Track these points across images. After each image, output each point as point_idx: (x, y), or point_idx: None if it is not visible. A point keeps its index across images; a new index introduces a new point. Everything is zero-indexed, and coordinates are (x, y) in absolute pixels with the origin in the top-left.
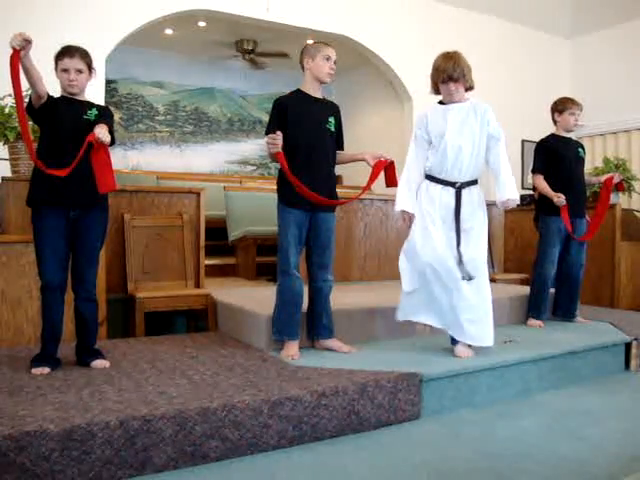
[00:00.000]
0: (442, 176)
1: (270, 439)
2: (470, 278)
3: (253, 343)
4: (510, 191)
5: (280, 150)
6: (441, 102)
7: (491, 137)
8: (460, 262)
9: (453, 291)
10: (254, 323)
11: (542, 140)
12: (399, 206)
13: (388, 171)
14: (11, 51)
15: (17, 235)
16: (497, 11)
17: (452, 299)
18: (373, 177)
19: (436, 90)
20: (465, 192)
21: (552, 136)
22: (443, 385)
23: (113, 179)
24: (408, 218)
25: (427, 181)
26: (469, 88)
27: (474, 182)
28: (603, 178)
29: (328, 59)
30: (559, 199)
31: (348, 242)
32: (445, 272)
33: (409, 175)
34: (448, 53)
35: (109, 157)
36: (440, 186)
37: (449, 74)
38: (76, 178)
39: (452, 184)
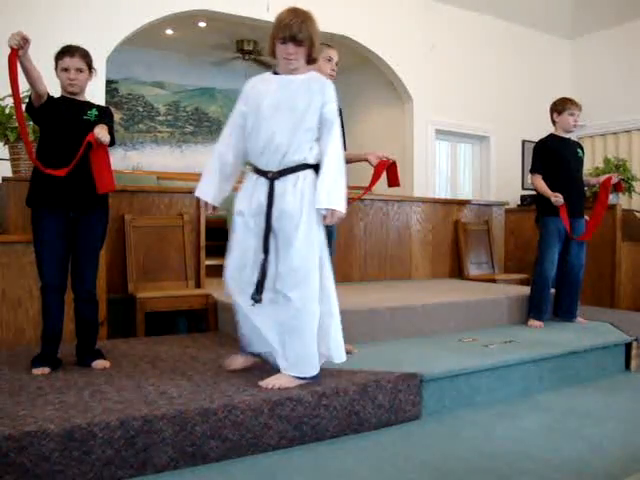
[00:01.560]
0: (257, 163)
1: (270, 439)
2: (257, 301)
3: None
4: (326, 199)
5: None
6: (276, 72)
7: (324, 120)
8: (262, 277)
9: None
10: None
11: (541, 140)
12: (197, 191)
13: (390, 171)
14: (10, 51)
15: (18, 235)
16: (497, 11)
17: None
18: (376, 177)
19: (273, 52)
20: (279, 184)
21: (551, 136)
22: (443, 385)
23: (112, 180)
24: (205, 206)
25: (250, 172)
26: (312, 61)
27: (297, 169)
28: (602, 179)
29: (330, 60)
30: (557, 199)
31: (348, 242)
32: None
33: (217, 154)
34: (297, 9)
35: (108, 157)
36: (256, 177)
37: (293, 33)
38: (76, 179)
39: (265, 173)
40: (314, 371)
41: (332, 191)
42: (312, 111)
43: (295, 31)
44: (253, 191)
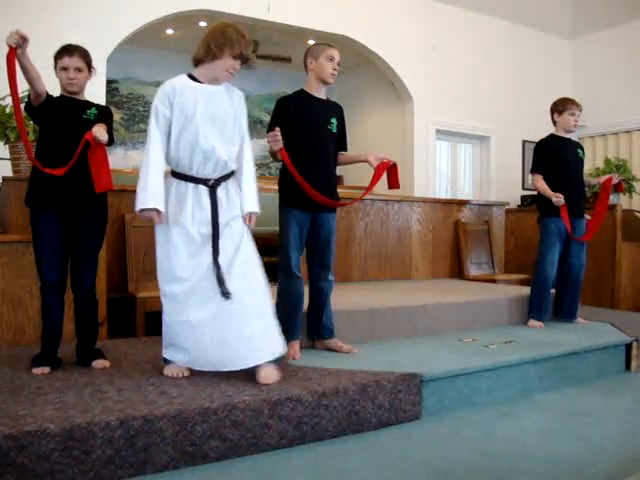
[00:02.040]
0: (195, 172)
1: (270, 439)
2: (228, 295)
3: None
4: (254, 203)
5: (282, 146)
6: (192, 77)
7: (243, 129)
8: (219, 275)
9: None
10: None
11: (541, 141)
12: (152, 201)
13: (391, 173)
14: (8, 50)
15: (18, 235)
16: (498, 11)
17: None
18: (376, 179)
19: (210, 58)
20: (221, 190)
21: (551, 136)
22: (443, 385)
23: (110, 178)
24: (159, 217)
25: (173, 179)
26: None
27: (231, 175)
28: (602, 179)
29: (331, 60)
30: (557, 199)
31: (349, 242)
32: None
33: (158, 158)
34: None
35: (106, 156)
36: (192, 185)
37: (249, 55)
38: (74, 178)
39: (204, 181)
40: (282, 348)
41: (256, 196)
42: (237, 122)
43: (250, 53)
44: (193, 199)
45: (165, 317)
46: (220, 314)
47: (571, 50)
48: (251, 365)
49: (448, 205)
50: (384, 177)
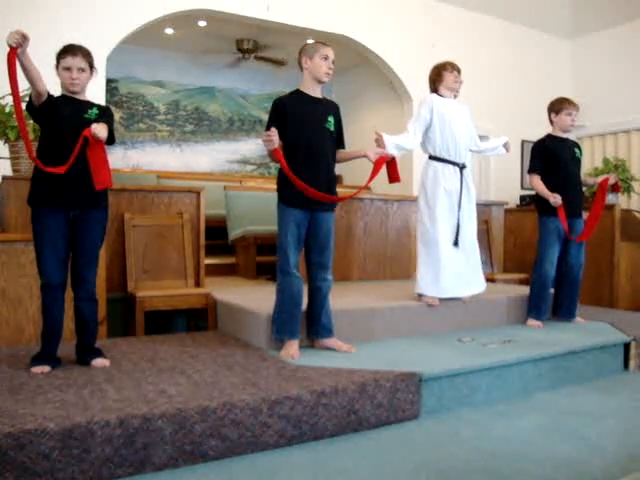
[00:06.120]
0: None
1: (270, 438)
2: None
3: (253, 342)
4: None
5: (276, 146)
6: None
7: None
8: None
9: None
10: (254, 322)
11: (538, 140)
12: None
13: (390, 167)
14: (9, 49)
15: (18, 234)
16: (497, 11)
17: None
18: (374, 172)
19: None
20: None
21: (548, 136)
22: (442, 384)
23: (109, 176)
24: None
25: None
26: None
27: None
28: (599, 179)
29: (326, 59)
30: (555, 199)
31: (348, 241)
32: None
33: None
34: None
35: (105, 154)
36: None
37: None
38: (76, 177)
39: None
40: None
41: None
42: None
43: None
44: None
45: None
46: None
47: (570, 50)
48: None
49: None
50: (383, 172)
